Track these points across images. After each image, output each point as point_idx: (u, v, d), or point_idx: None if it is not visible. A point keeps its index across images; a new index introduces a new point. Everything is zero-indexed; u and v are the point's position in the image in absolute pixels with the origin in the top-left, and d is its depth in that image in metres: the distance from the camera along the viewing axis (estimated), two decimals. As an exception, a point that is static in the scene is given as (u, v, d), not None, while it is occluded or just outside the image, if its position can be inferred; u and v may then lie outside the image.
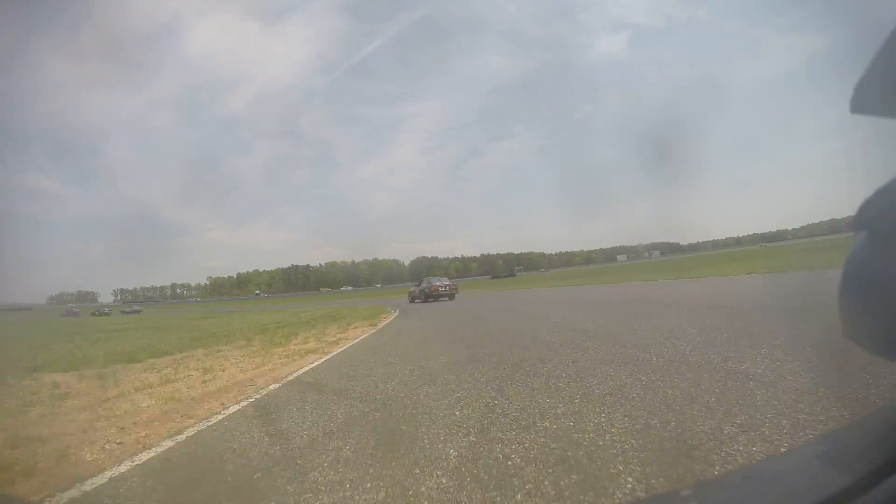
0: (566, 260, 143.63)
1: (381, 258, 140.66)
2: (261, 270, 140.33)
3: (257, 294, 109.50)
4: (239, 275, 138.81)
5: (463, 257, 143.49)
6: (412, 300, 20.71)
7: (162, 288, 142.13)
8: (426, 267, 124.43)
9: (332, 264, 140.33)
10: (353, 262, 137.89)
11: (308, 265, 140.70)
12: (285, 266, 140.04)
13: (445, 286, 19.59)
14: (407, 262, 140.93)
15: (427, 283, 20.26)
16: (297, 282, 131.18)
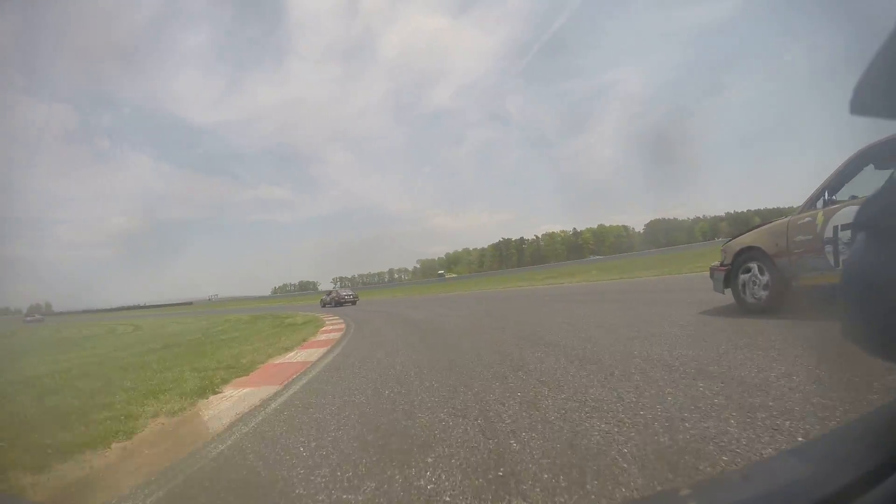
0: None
1: (606, 224, 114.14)
2: (470, 249, 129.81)
3: (440, 274, 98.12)
4: (448, 255, 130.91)
5: (705, 217, 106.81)
6: (323, 305, 27.34)
7: (380, 274, 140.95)
8: (664, 230, 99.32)
9: (551, 235, 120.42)
10: (575, 230, 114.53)
11: (522, 238, 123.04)
12: (496, 241, 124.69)
13: (349, 294, 27.78)
14: (640, 228, 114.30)
15: (336, 293, 28.72)
16: (511, 258, 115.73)
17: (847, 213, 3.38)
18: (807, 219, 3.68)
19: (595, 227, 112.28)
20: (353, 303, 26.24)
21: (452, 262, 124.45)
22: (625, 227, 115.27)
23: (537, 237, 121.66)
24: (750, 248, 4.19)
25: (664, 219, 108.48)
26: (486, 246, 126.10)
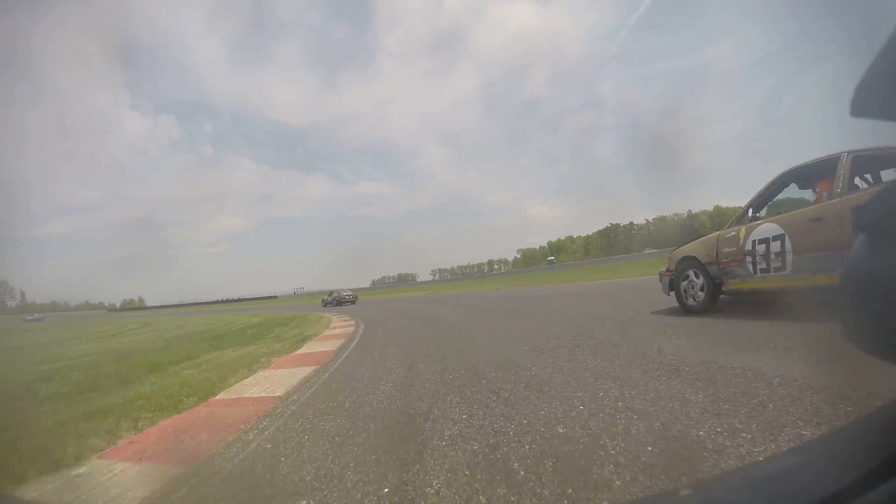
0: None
1: (723, 206, 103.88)
2: (574, 236, 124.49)
3: (550, 261, 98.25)
4: (550, 243, 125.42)
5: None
6: (325, 304, 29.12)
7: (479, 265, 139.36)
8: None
9: (662, 219, 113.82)
10: (690, 212, 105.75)
11: (631, 223, 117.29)
12: (603, 227, 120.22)
13: (349, 295, 29.49)
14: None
15: (337, 293, 30.18)
16: (620, 244, 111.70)
17: (763, 230, 3.93)
18: (732, 233, 4.27)
19: (711, 209, 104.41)
20: (353, 302, 28.51)
21: (555, 250, 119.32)
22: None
23: (648, 221, 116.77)
24: (689, 257, 4.76)
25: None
26: (591, 233, 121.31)
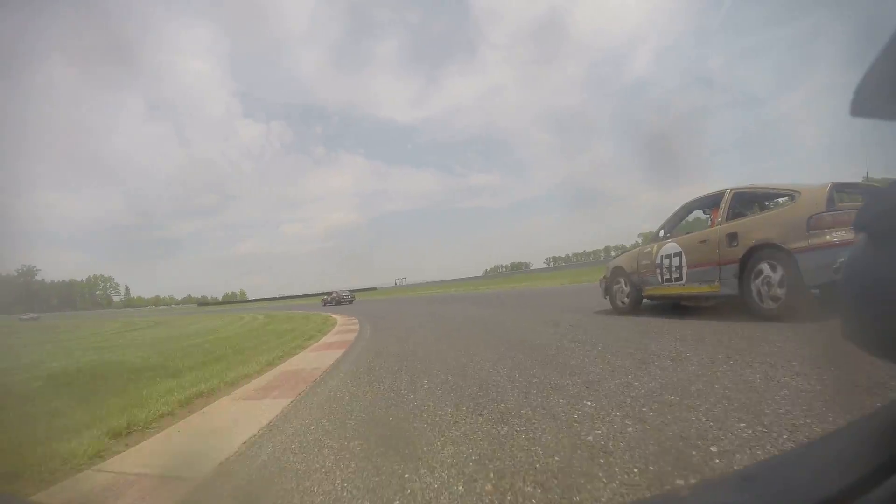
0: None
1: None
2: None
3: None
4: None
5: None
6: (324, 304, 30.41)
7: (595, 252, 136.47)
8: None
9: None
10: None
11: None
12: None
13: (347, 295, 31.02)
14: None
15: (336, 294, 31.43)
16: None
17: (668, 248, 4.89)
18: (648, 249, 5.24)
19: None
20: (350, 302, 29.78)
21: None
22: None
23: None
24: (619, 267, 5.70)
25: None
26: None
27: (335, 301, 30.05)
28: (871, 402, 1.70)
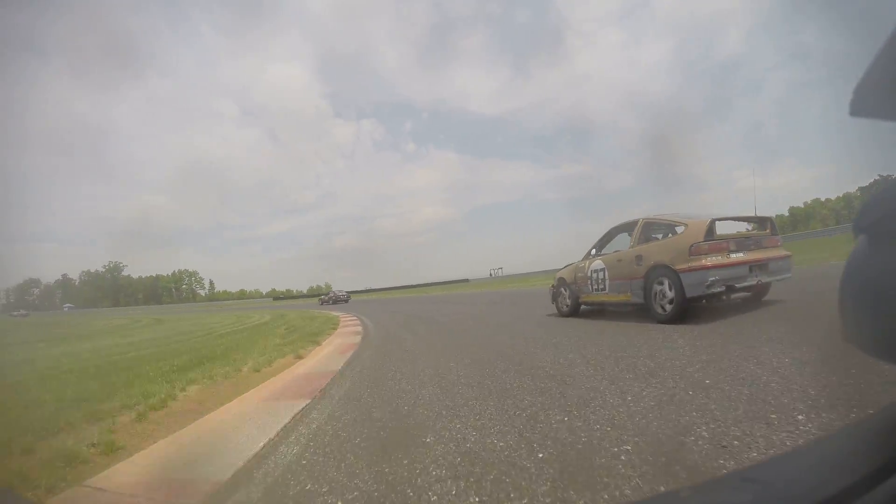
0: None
1: None
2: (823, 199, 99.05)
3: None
4: (792, 209, 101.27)
5: None
6: (322, 304, 31.48)
7: None
8: None
9: None
10: None
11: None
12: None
13: (343, 294, 33.22)
14: None
15: (333, 293, 33.41)
16: None
17: (596, 264, 5.91)
18: (582, 264, 6.27)
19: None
20: (346, 301, 31.23)
21: (800, 219, 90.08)
22: None
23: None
24: (562, 278, 6.75)
25: None
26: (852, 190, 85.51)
27: (332, 300, 31.10)
28: (871, 402, 1.70)
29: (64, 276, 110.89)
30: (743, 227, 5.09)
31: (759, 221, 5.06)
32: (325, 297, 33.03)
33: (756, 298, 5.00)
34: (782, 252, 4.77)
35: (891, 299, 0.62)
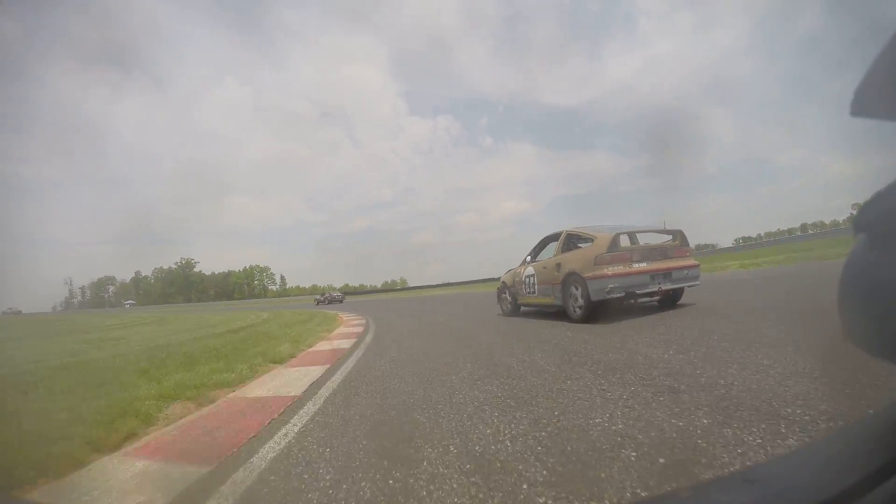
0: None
1: None
2: None
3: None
4: None
5: None
6: (317, 303, 32.69)
7: (790, 229, 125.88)
8: None
9: None
10: None
11: None
12: None
13: (338, 295, 34.80)
14: None
15: (329, 294, 35.26)
16: None
17: (528, 270, 6.60)
18: (519, 270, 6.98)
19: None
20: (340, 301, 32.53)
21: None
22: None
23: None
24: (504, 282, 7.60)
25: None
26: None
27: (328, 300, 32.26)
28: (871, 403, 1.70)
29: (137, 272, 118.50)
30: (668, 238, 5.55)
31: (671, 234, 5.49)
32: (321, 298, 34.08)
33: (670, 302, 5.44)
34: (690, 262, 5.21)
35: (890, 298, 0.62)
